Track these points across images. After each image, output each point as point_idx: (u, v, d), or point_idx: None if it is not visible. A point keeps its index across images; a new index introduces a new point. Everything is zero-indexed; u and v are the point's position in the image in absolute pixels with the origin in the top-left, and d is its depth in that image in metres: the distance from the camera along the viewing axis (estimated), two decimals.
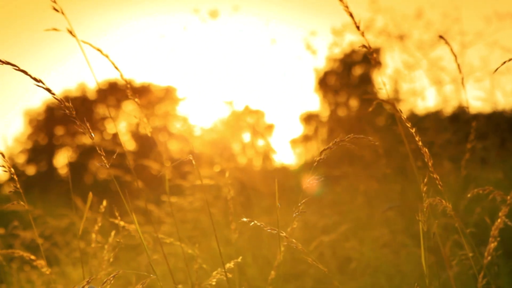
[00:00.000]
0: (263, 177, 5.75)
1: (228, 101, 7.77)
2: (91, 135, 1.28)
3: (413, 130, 1.35)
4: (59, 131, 24.92)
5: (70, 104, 1.29)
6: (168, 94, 25.16)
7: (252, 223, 1.36)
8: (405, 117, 1.34)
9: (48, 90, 1.28)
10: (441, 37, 1.86)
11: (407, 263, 2.76)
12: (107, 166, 1.28)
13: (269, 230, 1.37)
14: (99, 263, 3.25)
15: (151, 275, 1.23)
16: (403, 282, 2.72)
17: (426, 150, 1.34)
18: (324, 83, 22.19)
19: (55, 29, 1.62)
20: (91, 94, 25.31)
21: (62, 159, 24.26)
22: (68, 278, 3.37)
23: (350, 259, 3.06)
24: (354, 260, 3.01)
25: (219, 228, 3.47)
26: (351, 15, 1.73)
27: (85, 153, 23.86)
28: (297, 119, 21.16)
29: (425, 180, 1.30)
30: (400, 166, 4.48)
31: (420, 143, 1.35)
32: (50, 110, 25.08)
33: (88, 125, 1.27)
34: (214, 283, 1.52)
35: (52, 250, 3.26)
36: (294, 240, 1.40)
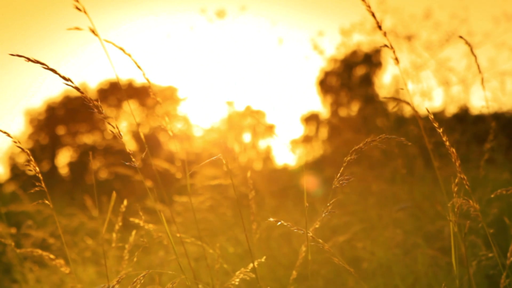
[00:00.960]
0: (267, 177, 5.74)
1: (229, 101, 7.76)
2: (120, 135, 1.27)
3: (440, 130, 1.34)
4: (60, 130, 24.91)
5: (99, 102, 1.28)
6: (169, 94, 25.14)
7: (279, 223, 1.36)
8: (432, 116, 1.33)
9: (77, 88, 1.28)
10: (460, 37, 1.86)
11: (420, 264, 2.76)
12: (136, 165, 1.28)
13: (295, 230, 1.36)
14: (111, 263, 3.25)
15: (181, 275, 1.23)
16: (416, 282, 2.72)
17: (454, 150, 1.33)
18: (325, 83, 22.22)
19: (77, 28, 1.61)
20: (92, 94, 25.30)
21: (63, 159, 24.25)
22: (79, 278, 3.36)
23: (361, 259, 3.06)
24: (365, 260, 3.01)
25: (229, 228, 3.46)
26: (373, 15, 1.73)
27: (86, 153, 23.84)
28: (298, 119, 21.18)
29: (456, 180, 1.30)
30: (407, 167, 4.48)
31: (447, 143, 1.34)
32: (51, 110, 25.08)
33: (116, 125, 1.26)
34: (237, 283, 1.52)
35: (62, 250, 3.25)
36: (320, 241, 1.40)
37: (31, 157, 1.41)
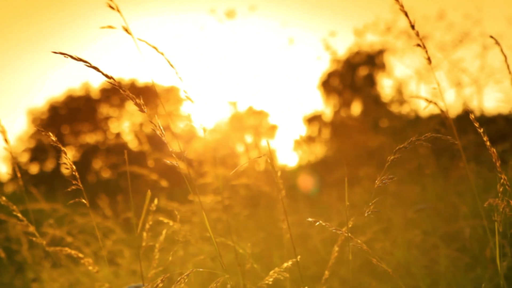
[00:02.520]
0: (271, 178, 5.73)
1: (232, 101, 7.75)
2: (163, 133, 1.27)
3: (481, 130, 1.34)
4: (63, 130, 24.90)
5: (142, 100, 1.28)
6: (171, 94, 25.14)
7: (318, 223, 1.35)
8: (473, 117, 1.33)
9: (119, 87, 1.28)
10: (491, 37, 1.85)
11: (439, 265, 2.76)
12: (177, 164, 1.27)
13: (334, 231, 1.36)
14: (127, 262, 3.24)
15: (225, 275, 1.22)
16: (436, 283, 2.72)
17: (494, 150, 1.33)
18: (328, 84, 22.22)
19: (110, 27, 1.60)
20: (95, 94, 25.30)
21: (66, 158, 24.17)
22: (93, 277, 3.36)
23: (379, 260, 3.05)
24: (383, 261, 3.00)
25: (243, 228, 3.46)
26: (406, 14, 1.73)
27: (88, 153, 23.84)
28: (300, 120, 21.18)
29: (502, 180, 1.29)
30: (420, 167, 4.48)
31: (488, 143, 1.34)
32: (53, 109, 25.07)
33: (159, 123, 1.26)
34: (271, 282, 1.51)
35: (79, 249, 3.24)
36: (359, 241, 1.39)
37: (67, 156, 1.40)
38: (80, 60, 1.24)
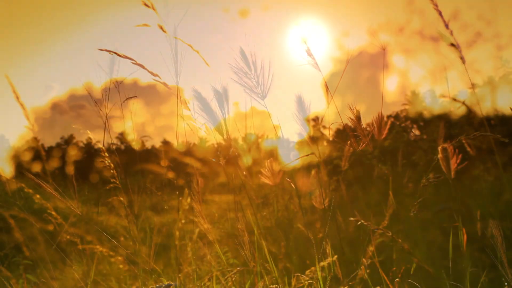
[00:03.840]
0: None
1: (234, 102, 7.72)
2: (204, 130, 1.26)
3: None
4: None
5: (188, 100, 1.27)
6: (172, 93, 25.05)
7: (359, 222, 1.35)
8: None
9: (165, 84, 1.27)
10: None
11: (460, 264, 2.75)
12: (222, 163, 1.27)
13: (375, 230, 1.35)
14: (143, 261, 3.23)
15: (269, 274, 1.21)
16: (456, 283, 2.71)
17: None
18: (330, 84, 22.20)
19: (145, 25, 1.60)
20: (97, 93, 25.26)
21: (68, 158, 24.20)
22: (108, 277, 3.35)
23: (398, 259, 3.04)
24: (402, 261, 2.99)
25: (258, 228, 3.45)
26: (440, 14, 1.72)
27: (90, 152, 23.82)
28: (303, 120, 21.15)
29: None
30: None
31: None
32: (56, 109, 25.06)
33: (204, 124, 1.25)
34: (307, 282, 1.51)
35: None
36: (399, 240, 1.38)
37: (105, 153, 1.40)
38: (126, 57, 1.24)
